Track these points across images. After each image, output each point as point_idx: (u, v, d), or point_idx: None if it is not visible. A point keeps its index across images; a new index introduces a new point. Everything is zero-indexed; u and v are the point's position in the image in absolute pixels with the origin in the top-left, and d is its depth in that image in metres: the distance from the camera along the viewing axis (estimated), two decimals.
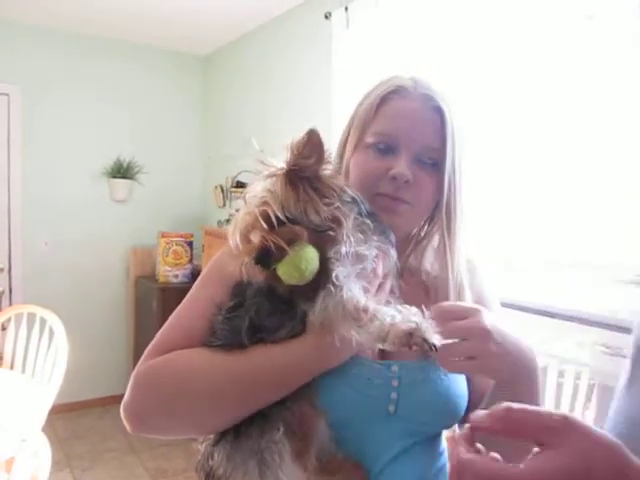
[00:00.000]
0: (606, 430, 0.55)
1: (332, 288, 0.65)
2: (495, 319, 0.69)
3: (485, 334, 0.66)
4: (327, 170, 0.70)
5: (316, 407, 0.72)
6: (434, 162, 0.80)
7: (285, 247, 0.64)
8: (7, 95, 3.66)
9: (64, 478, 3.07)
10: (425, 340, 0.59)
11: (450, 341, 0.65)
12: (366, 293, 0.68)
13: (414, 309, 0.64)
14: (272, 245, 0.64)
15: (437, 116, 0.80)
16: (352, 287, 0.66)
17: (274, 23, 3.44)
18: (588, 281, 1.79)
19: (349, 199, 0.70)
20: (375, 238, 0.71)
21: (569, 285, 1.83)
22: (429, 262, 0.88)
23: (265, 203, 0.66)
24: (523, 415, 0.43)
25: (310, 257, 0.65)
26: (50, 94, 3.79)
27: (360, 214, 0.71)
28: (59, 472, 3.05)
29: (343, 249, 0.67)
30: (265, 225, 0.65)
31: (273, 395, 0.71)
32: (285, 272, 0.66)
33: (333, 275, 0.66)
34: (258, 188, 0.69)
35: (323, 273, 0.66)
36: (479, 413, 0.45)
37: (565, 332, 1.76)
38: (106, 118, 3.99)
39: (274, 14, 3.36)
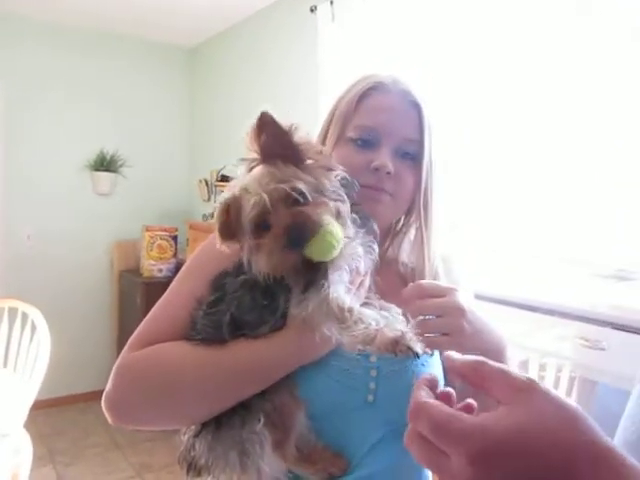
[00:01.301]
0: (617, 434, 0.55)
1: (322, 285, 0.66)
2: (469, 300, 0.72)
3: (459, 312, 0.70)
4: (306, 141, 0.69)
5: (296, 398, 0.73)
6: (413, 155, 0.83)
7: (322, 220, 0.62)
8: None
9: (47, 474, 3.05)
10: (410, 348, 0.61)
11: (427, 317, 0.69)
12: (348, 291, 0.69)
13: (399, 316, 0.66)
14: (308, 220, 0.62)
15: (415, 110, 0.83)
16: (338, 287, 0.67)
17: (260, 16, 3.42)
18: (569, 275, 1.82)
19: (345, 182, 0.71)
20: (360, 233, 0.72)
21: (550, 279, 1.85)
22: (406, 254, 0.90)
23: (288, 181, 0.64)
24: (491, 370, 0.44)
25: (339, 230, 0.64)
26: (33, 87, 3.74)
27: (352, 204, 0.71)
28: (42, 467, 3.03)
29: (350, 231, 0.67)
30: (299, 199, 0.63)
31: (254, 388, 0.72)
32: (321, 247, 0.62)
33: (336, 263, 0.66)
34: (248, 176, 0.68)
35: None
36: (454, 354, 0.46)
37: (546, 325, 1.79)
38: (89, 110, 3.94)
39: (260, 6, 3.35)
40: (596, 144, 1.74)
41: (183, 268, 0.86)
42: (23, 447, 2.31)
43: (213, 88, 4.04)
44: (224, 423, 0.71)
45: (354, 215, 0.71)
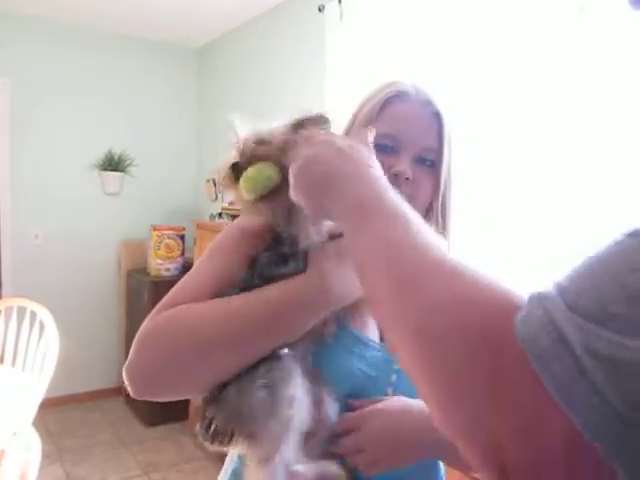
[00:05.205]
0: None
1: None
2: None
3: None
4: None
5: (323, 383, 0.71)
6: (431, 163, 0.84)
7: (253, 161, 0.68)
8: None
9: (55, 472, 3.06)
10: None
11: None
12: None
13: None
14: (244, 156, 0.68)
15: (436, 120, 0.85)
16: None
17: (268, 15, 3.42)
18: None
19: None
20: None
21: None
22: None
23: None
24: None
25: (268, 174, 0.68)
26: (40, 86, 3.76)
27: None
28: (50, 466, 3.05)
29: None
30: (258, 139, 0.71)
31: (285, 331, 0.70)
32: (243, 184, 0.68)
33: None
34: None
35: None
36: None
37: None
38: (97, 110, 3.96)
39: (268, 6, 3.35)
40: (608, 146, 1.73)
41: (209, 248, 0.82)
42: (32, 445, 2.32)
43: (221, 88, 4.04)
44: (245, 375, 0.67)
45: None
